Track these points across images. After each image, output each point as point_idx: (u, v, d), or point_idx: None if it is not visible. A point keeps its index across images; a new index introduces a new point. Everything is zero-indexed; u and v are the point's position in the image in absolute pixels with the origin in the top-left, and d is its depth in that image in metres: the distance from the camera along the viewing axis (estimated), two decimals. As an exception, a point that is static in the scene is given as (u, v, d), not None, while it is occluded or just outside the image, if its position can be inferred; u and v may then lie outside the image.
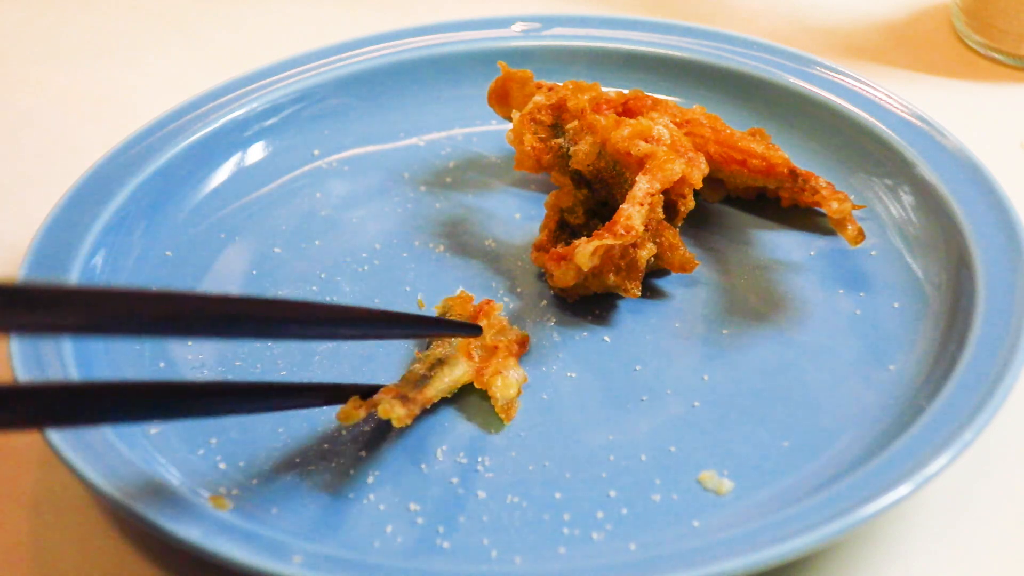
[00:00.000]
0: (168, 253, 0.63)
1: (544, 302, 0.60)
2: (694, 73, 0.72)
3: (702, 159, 0.59)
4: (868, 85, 0.68)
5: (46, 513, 0.53)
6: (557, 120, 0.62)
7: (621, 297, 0.60)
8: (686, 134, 0.62)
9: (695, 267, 0.59)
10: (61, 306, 0.40)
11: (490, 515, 0.50)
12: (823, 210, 0.62)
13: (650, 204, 0.57)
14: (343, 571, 0.46)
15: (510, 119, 0.65)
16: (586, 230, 0.61)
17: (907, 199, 0.64)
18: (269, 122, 0.69)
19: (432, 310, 0.60)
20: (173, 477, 0.51)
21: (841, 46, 0.81)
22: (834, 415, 0.54)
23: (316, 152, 0.70)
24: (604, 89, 0.66)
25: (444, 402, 0.55)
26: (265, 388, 0.52)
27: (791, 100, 0.69)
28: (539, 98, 0.63)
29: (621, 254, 0.57)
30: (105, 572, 0.50)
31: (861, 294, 0.60)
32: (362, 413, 0.51)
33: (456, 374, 0.54)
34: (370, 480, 0.52)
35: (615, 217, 0.57)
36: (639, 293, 0.58)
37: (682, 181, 0.58)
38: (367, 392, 0.52)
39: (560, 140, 0.62)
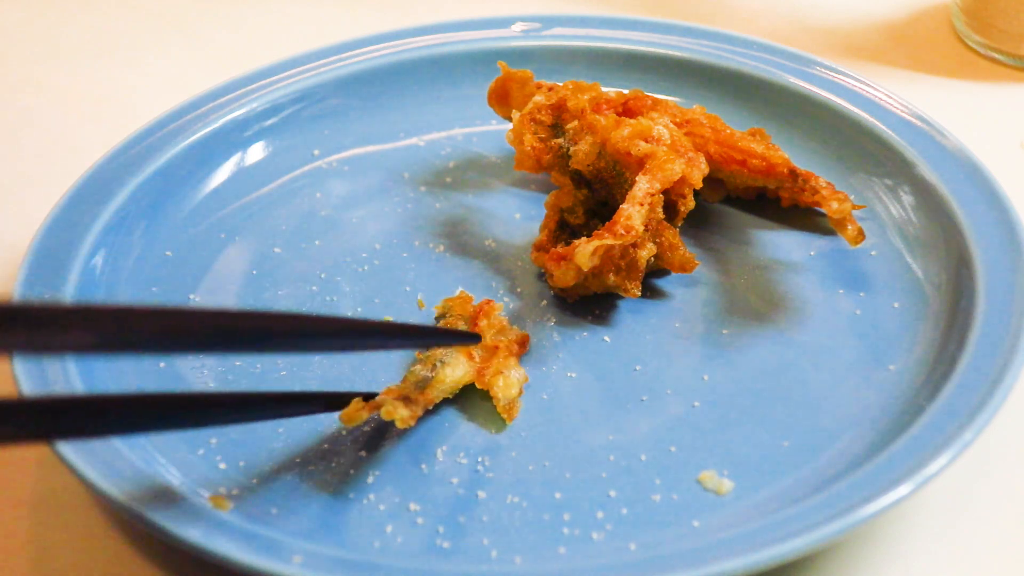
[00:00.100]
0: (168, 253, 0.63)
1: (544, 302, 0.60)
2: (694, 73, 0.72)
3: (702, 159, 0.59)
4: (868, 85, 0.68)
5: (46, 513, 0.53)
6: (557, 120, 0.62)
7: (621, 297, 0.60)
8: (686, 134, 0.62)
9: (695, 267, 0.59)
10: (59, 326, 0.40)
11: (490, 515, 0.50)
12: (823, 210, 0.62)
13: (650, 204, 0.57)
14: (343, 571, 0.46)
15: (510, 119, 0.65)
16: (586, 230, 0.61)
17: (907, 199, 0.64)
18: (269, 122, 0.69)
19: (432, 310, 0.59)
20: (173, 477, 0.51)
21: (841, 46, 0.81)
22: (834, 415, 0.54)
23: (316, 152, 0.70)
24: (604, 89, 0.66)
25: (444, 402, 0.55)
26: (266, 397, 0.52)
27: (791, 100, 0.69)
28: (539, 98, 0.63)
29: (621, 254, 0.57)
30: (105, 572, 0.50)
31: (861, 294, 0.60)
32: (365, 415, 0.51)
33: (457, 374, 0.54)
34: (370, 480, 0.52)
35: (615, 217, 0.57)
36: (639, 293, 0.58)
37: (682, 181, 0.58)
38: (368, 396, 0.52)
39: (560, 140, 0.62)
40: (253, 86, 0.70)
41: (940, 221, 0.61)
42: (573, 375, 0.57)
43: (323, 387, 0.55)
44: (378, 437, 0.54)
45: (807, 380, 0.56)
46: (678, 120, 0.63)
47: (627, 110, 0.63)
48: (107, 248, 0.61)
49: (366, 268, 0.63)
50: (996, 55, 0.78)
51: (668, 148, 0.59)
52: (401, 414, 0.51)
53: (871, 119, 0.66)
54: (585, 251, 0.56)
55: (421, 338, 0.55)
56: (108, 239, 0.61)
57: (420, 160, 0.69)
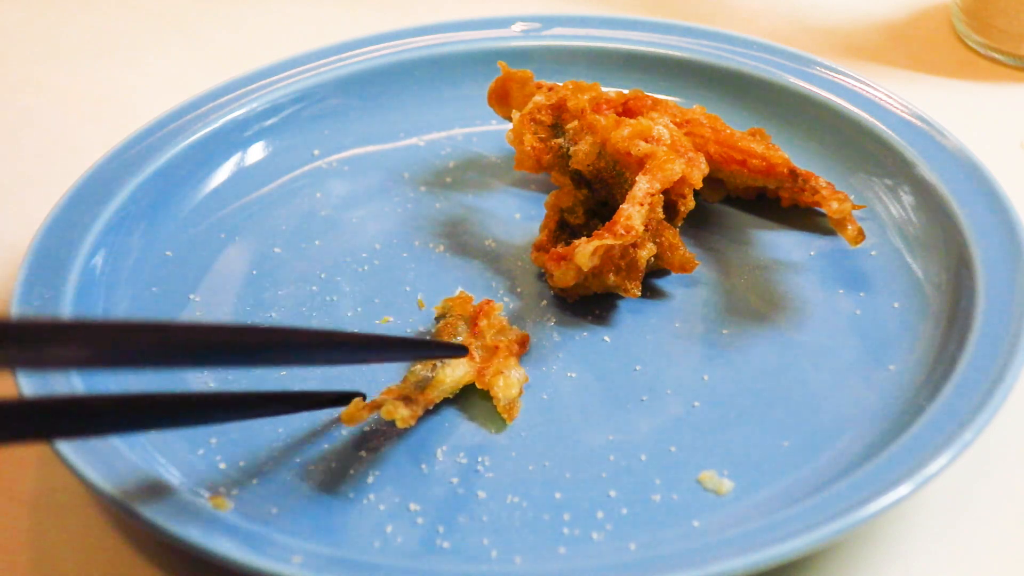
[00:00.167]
0: (168, 253, 0.63)
1: (544, 302, 0.60)
2: (694, 73, 0.72)
3: (702, 159, 0.59)
4: (868, 85, 0.68)
5: (46, 513, 0.53)
6: (557, 120, 0.62)
7: (621, 297, 0.60)
8: (686, 134, 0.62)
9: (695, 267, 0.59)
10: (57, 341, 0.40)
11: (490, 515, 0.50)
12: (823, 210, 0.62)
13: (650, 204, 0.57)
14: (343, 571, 0.46)
15: (510, 119, 0.65)
16: (586, 230, 0.61)
17: (907, 199, 0.64)
18: (269, 122, 0.69)
19: (432, 310, 0.59)
20: (173, 477, 0.51)
21: (841, 46, 0.81)
22: (834, 415, 0.54)
23: (316, 152, 0.70)
24: (604, 89, 0.66)
25: (444, 402, 0.55)
26: (266, 397, 0.52)
27: (791, 100, 0.69)
28: (539, 98, 0.63)
29: (621, 254, 0.57)
30: (105, 572, 0.50)
31: (861, 294, 0.60)
32: (365, 415, 0.51)
33: (458, 374, 0.54)
34: (370, 480, 0.52)
35: (615, 217, 0.57)
36: (639, 293, 0.58)
37: (682, 181, 0.58)
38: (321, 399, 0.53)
39: (560, 140, 0.62)
40: (253, 86, 0.70)
41: (940, 221, 0.61)
42: (573, 375, 0.57)
43: (323, 387, 0.55)
44: (378, 437, 0.54)
45: (807, 380, 0.56)
46: (678, 120, 0.63)
47: (627, 110, 0.63)
48: (107, 248, 0.61)
49: (366, 268, 0.63)
50: (996, 55, 0.78)
51: (668, 148, 0.59)
52: (401, 414, 0.51)
53: (871, 119, 0.66)
54: (585, 251, 0.56)
55: (411, 351, 0.55)
56: (108, 239, 0.61)
57: (420, 160, 0.69)
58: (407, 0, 0.87)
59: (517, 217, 0.66)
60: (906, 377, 0.55)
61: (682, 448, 0.53)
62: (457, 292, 0.60)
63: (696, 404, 0.55)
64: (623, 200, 0.57)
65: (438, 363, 0.54)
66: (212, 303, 0.60)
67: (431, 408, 0.54)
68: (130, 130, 0.66)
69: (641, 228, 0.56)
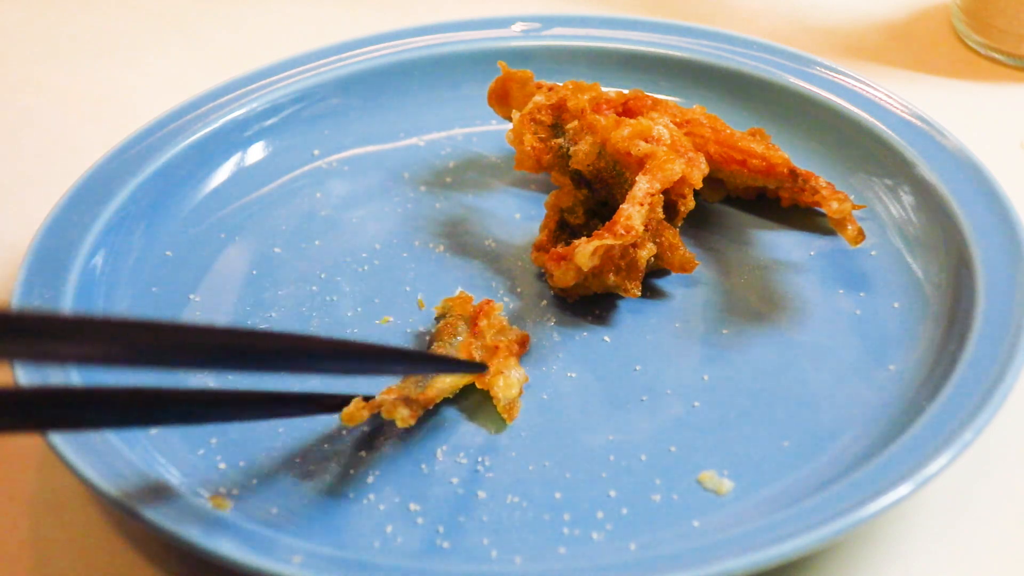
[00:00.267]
0: (168, 253, 0.63)
1: (544, 302, 0.60)
2: (694, 73, 0.72)
3: (702, 159, 0.59)
4: (868, 85, 0.68)
5: (46, 513, 0.53)
6: (557, 120, 0.62)
7: (621, 297, 0.60)
8: (686, 134, 0.62)
9: (695, 267, 0.59)
10: (63, 337, 0.40)
11: (490, 515, 0.50)
12: (823, 210, 0.62)
13: (650, 204, 0.57)
14: (343, 571, 0.46)
15: (510, 119, 0.65)
16: (586, 230, 0.61)
17: (907, 199, 0.64)
18: (269, 122, 0.69)
19: (432, 310, 0.59)
20: (173, 477, 0.51)
21: (841, 46, 0.81)
22: (834, 415, 0.54)
23: (316, 152, 0.70)
24: (604, 89, 0.66)
25: (445, 402, 0.55)
26: (266, 397, 0.52)
27: (791, 100, 0.69)
28: (539, 98, 0.63)
29: (621, 254, 0.57)
30: (105, 572, 0.50)
31: (861, 294, 0.60)
32: (366, 414, 0.51)
33: (457, 377, 0.54)
34: (370, 480, 0.52)
35: (615, 217, 0.57)
36: (639, 293, 0.58)
37: (682, 181, 0.58)
38: (368, 396, 0.52)
39: (560, 140, 0.62)
40: (253, 86, 0.70)
41: (940, 221, 0.61)
42: (573, 375, 0.57)
43: (323, 387, 0.55)
44: (378, 437, 0.54)
45: (807, 380, 0.56)
46: (678, 120, 0.63)
47: (627, 110, 0.63)
48: (107, 248, 0.61)
49: (366, 268, 0.63)
50: (996, 55, 0.78)
51: (668, 148, 0.59)
52: (401, 414, 0.51)
53: (871, 119, 0.66)
54: (585, 251, 0.56)
55: (427, 365, 0.54)
56: (108, 239, 0.61)
57: (420, 160, 0.69)
58: (407, 0, 0.87)
59: (517, 217, 0.66)
60: (906, 377, 0.55)
61: (682, 448, 0.53)
62: (457, 292, 0.60)
63: (696, 404, 0.55)
64: (623, 200, 0.57)
65: None
66: (212, 303, 0.60)
67: (431, 408, 0.54)
68: (130, 130, 0.66)
69: (641, 228, 0.56)
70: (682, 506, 0.51)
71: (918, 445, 0.50)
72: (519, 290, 0.61)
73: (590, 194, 0.61)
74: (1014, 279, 0.56)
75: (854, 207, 0.61)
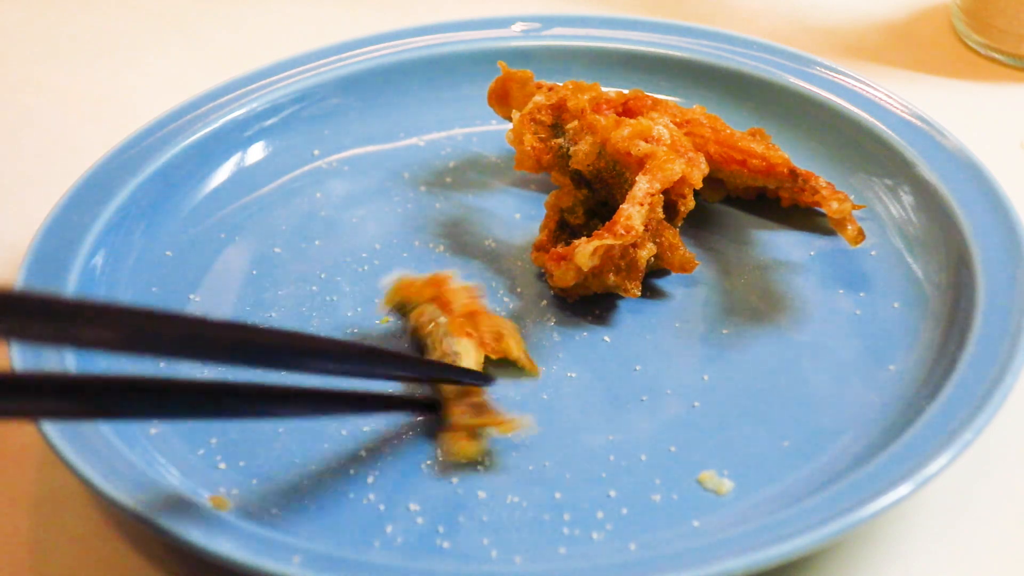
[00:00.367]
0: (168, 253, 0.63)
1: (544, 302, 0.60)
2: (694, 73, 0.72)
3: (702, 159, 0.59)
4: (868, 85, 0.68)
5: (46, 513, 0.53)
6: (557, 120, 0.62)
7: (621, 297, 0.60)
8: (686, 134, 0.62)
9: (695, 267, 0.59)
10: (70, 319, 0.40)
11: (490, 515, 0.50)
12: (823, 210, 0.62)
13: (650, 204, 0.57)
14: (343, 571, 0.46)
15: (510, 119, 0.65)
16: (586, 230, 0.61)
17: (907, 199, 0.64)
18: (269, 122, 0.69)
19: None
20: (173, 477, 0.51)
21: (841, 46, 0.81)
22: (834, 415, 0.54)
23: (316, 152, 0.70)
24: (604, 89, 0.66)
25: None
26: (276, 393, 0.49)
27: (791, 100, 0.69)
28: (539, 98, 0.63)
29: (621, 254, 0.57)
30: (105, 572, 0.50)
31: (861, 294, 0.60)
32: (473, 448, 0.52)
33: (474, 356, 0.54)
34: (370, 480, 0.52)
35: (615, 217, 0.57)
36: (639, 293, 0.58)
37: (682, 181, 0.58)
38: (395, 402, 0.53)
39: (560, 140, 0.62)
40: (253, 86, 0.70)
41: (940, 221, 0.61)
42: (573, 375, 0.57)
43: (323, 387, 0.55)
44: (378, 437, 0.54)
45: (807, 380, 0.56)
46: (678, 120, 0.63)
47: (627, 110, 0.63)
48: (107, 248, 0.61)
49: (366, 268, 0.63)
50: (996, 55, 0.78)
51: (668, 148, 0.59)
52: (471, 453, 0.52)
53: (871, 119, 0.66)
54: (585, 251, 0.56)
55: (435, 372, 0.54)
56: (108, 239, 0.61)
57: (420, 160, 0.69)
58: (407, 0, 0.87)
59: (517, 217, 0.66)
60: (906, 377, 0.55)
61: (682, 448, 0.53)
62: (394, 281, 0.59)
63: (696, 404, 0.55)
64: (623, 200, 0.57)
65: (450, 357, 0.54)
66: (212, 303, 0.60)
67: (430, 407, 0.53)
68: (130, 130, 0.66)
69: (641, 228, 0.56)
70: (682, 506, 0.51)
71: (918, 445, 0.50)
72: (519, 290, 0.61)
73: (590, 194, 0.61)
74: (1014, 279, 0.56)
75: (854, 207, 0.61)
